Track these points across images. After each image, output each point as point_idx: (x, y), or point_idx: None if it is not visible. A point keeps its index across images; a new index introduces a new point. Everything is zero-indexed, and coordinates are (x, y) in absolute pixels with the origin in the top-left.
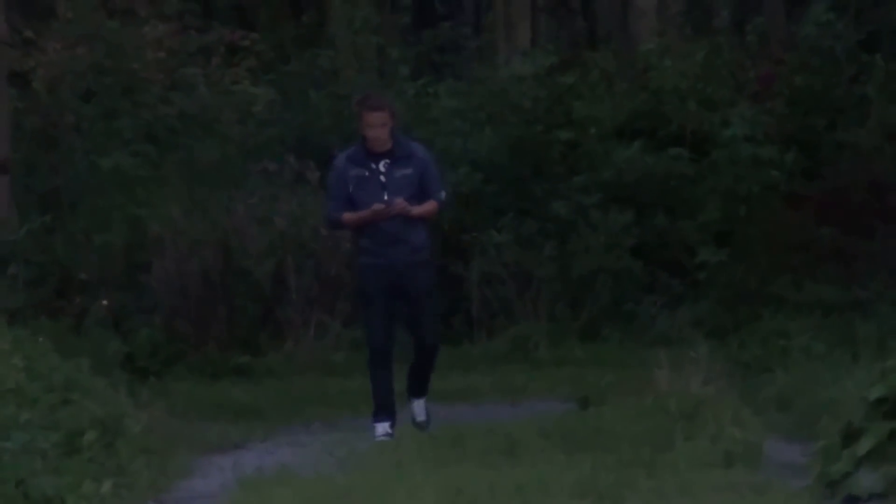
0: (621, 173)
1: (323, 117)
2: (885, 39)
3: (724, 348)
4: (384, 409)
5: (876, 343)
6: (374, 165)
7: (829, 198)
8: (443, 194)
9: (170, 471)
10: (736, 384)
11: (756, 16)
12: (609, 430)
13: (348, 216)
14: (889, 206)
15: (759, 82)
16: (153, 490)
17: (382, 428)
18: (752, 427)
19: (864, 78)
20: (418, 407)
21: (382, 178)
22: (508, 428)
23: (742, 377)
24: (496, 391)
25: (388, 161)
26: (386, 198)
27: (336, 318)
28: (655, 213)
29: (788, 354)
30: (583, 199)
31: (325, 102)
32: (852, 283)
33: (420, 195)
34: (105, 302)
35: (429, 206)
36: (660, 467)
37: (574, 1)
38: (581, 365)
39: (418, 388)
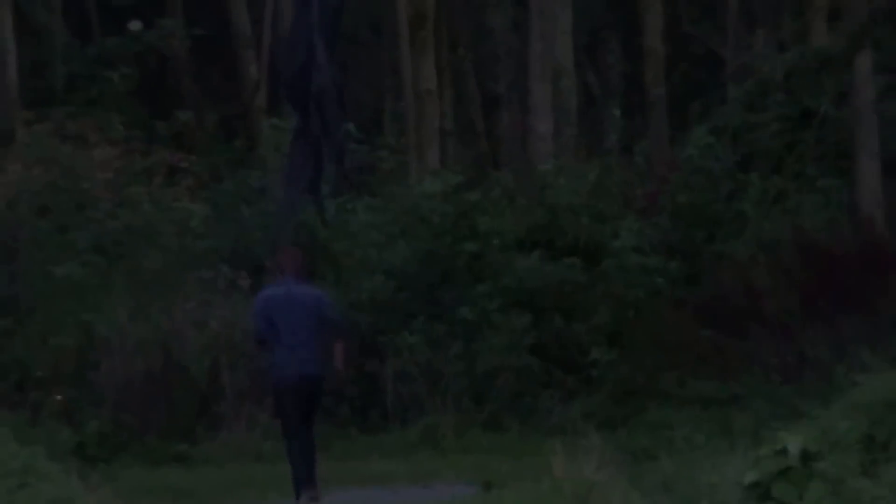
0: (521, 280)
1: (253, 231)
2: (759, 160)
3: (615, 438)
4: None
5: (750, 433)
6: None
7: (708, 303)
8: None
9: None
10: (625, 470)
11: (643, 139)
12: None
13: None
14: (763, 309)
15: (645, 199)
16: None
17: None
18: None
19: (741, 195)
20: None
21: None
22: None
23: (631, 464)
24: (410, 476)
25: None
26: None
27: (265, 411)
28: (552, 316)
29: (672, 443)
30: (486, 303)
31: (255, 217)
32: (729, 380)
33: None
34: (59, 396)
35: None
36: None
37: (478, 125)
38: (485, 452)
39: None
